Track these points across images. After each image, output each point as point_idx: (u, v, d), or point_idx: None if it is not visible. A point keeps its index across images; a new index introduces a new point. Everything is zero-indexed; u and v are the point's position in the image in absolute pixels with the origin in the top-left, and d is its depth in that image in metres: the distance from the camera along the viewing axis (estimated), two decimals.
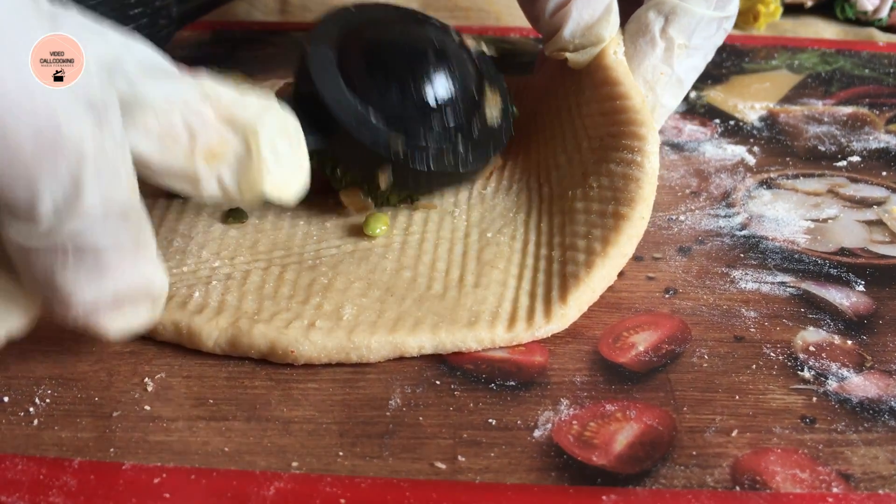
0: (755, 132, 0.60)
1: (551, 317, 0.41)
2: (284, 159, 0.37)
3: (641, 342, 0.40)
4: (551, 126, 0.52)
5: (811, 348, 0.40)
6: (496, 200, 0.49)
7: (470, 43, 0.50)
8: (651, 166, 0.44)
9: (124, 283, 0.33)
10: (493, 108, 0.48)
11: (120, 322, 0.35)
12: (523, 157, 0.52)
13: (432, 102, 0.45)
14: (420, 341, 0.39)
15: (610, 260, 0.42)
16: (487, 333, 0.40)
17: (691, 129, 0.60)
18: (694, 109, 0.63)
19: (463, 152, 0.46)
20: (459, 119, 0.46)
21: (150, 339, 0.40)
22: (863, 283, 0.45)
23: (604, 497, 0.33)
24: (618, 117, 0.46)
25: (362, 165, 0.46)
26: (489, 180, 0.51)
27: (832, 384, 0.38)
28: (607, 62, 0.47)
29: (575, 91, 0.50)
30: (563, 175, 0.48)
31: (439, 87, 0.46)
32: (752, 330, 0.41)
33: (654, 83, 0.48)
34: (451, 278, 0.43)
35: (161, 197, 0.48)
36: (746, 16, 0.79)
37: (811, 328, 0.41)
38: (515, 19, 0.79)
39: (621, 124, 0.46)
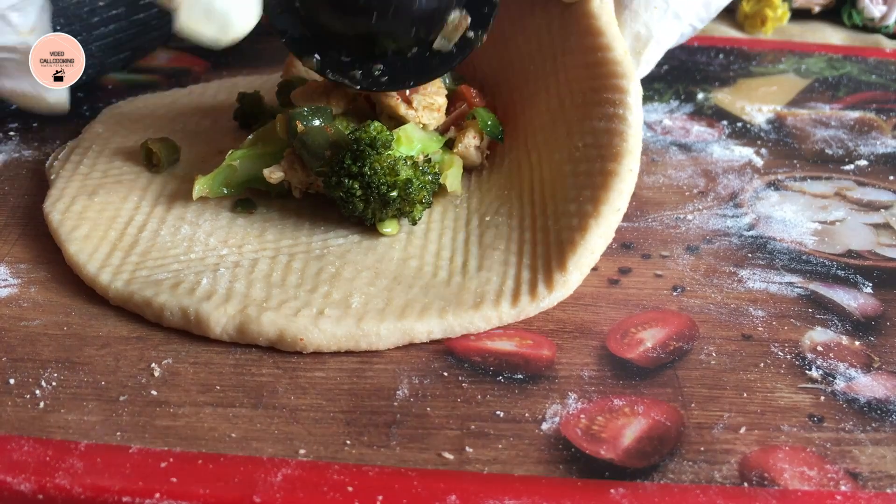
0: (763, 134, 0.60)
1: (553, 285, 0.41)
2: None
3: (649, 338, 0.40)
4: (534, 80, 0.51)
5: (819, 348, 0.40)
6: (492, 182, 0.49)
7: None
8: (634, 118, 0.43)
9: None
10: (450, 36, 0.47)
11: None
12: (511, 123, 0.51)
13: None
14: (428, 326, 0.39)
15: (603, 219, 0.42)
16: (493, 312, 0.40)
17: (699, 129, 0.60)
18: (701, 111, 0.63)
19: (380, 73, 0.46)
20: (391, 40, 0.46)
21: (157, 325, 0.40)
22: (870, 285, 0.45)
23: (612, 490, 0.32)
24: (599, 70, 0.45)
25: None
26: (485, 161, 0.50)
27: (840, 384, 0.38)
28: (591, 8, 0.46)
29: (560, 38, 0.49)
30: (549, 137, 0.47)
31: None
32: (760, 329, 0.41)
33: (648, 18, 0.47)
34: (456, 265, 0.43)
35: (169, 184, 0.48)
36: (754, 20, 0.79)
37: (819, 328, 0.41)
38: None
39: (602, 77, 0.45)
